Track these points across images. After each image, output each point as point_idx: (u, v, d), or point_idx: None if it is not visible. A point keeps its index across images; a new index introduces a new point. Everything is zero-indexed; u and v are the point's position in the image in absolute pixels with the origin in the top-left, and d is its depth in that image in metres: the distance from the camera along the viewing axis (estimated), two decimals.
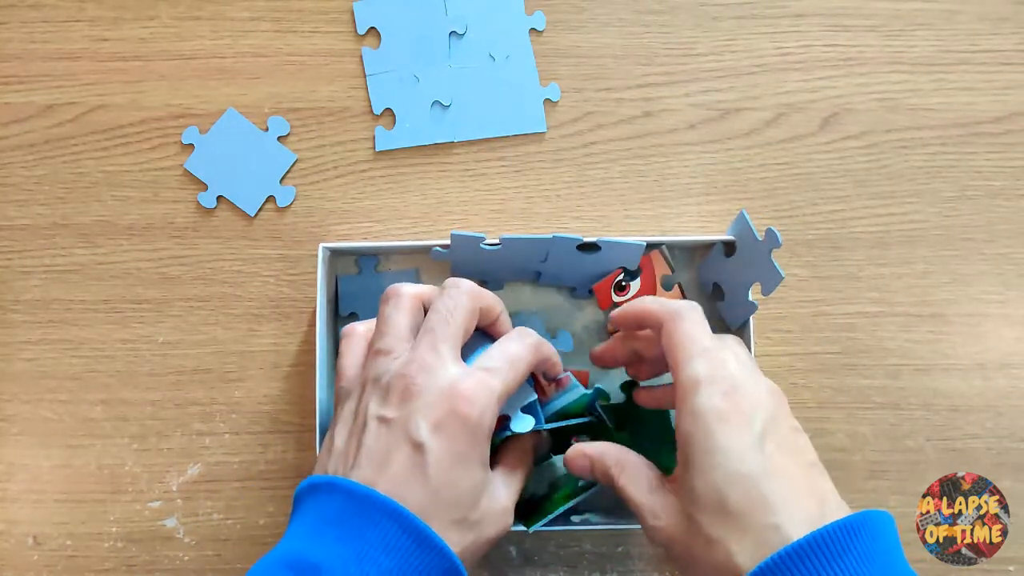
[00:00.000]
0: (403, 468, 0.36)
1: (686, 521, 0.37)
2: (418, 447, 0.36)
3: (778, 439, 0.36)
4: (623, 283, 0.52)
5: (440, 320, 0.39)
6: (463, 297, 0.40)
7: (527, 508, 0.49)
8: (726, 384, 0.37)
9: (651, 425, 0.52)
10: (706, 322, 0.40)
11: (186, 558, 0.52)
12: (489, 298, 0.42)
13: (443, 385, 0.37)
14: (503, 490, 0.39)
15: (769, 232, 0.45)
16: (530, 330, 0.42)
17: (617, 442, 0.51)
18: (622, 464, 0.41)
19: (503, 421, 0.42)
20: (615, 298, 0.52)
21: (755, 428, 0.36)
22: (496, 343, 0.41)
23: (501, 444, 0.42)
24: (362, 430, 0.37)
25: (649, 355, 0.45)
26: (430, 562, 0.34)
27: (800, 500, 0.34)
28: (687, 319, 0.40)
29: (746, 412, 0.36)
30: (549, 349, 0.43)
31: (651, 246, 0.51)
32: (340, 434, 0.39)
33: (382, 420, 0.37)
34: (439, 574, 0.34)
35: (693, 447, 0.37)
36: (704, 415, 0.36)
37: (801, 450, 0.37)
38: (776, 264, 0.45)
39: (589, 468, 0.42)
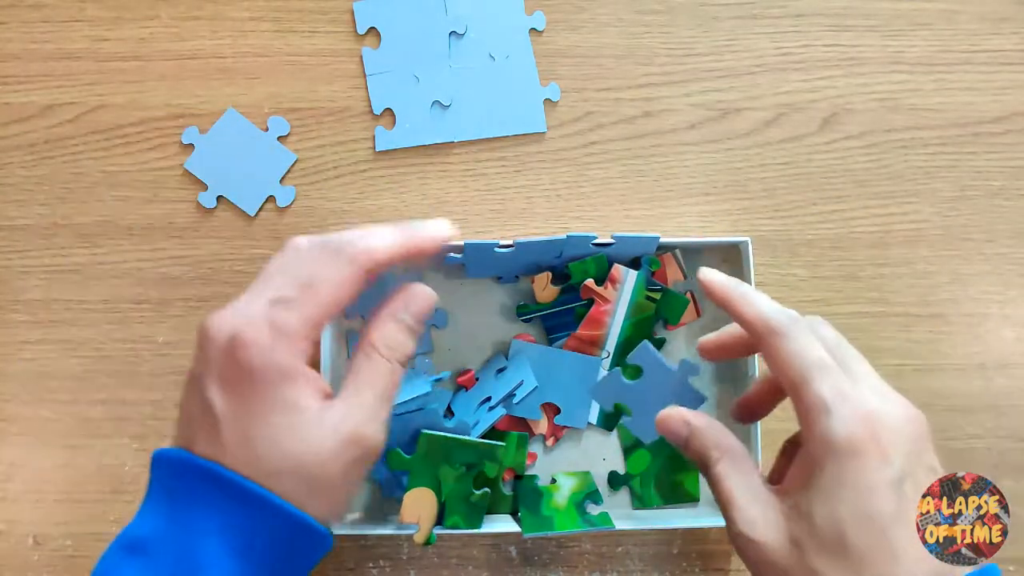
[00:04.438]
0: (204, 427, 0.34)
1: (788, 543, 0.33)
2: (207, 404, 0.34)
3: (916, 480, 0.33)
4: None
5: (282, 270, 0.36)
6: (327, 263, 0.35)
7: (525, 504, 0.50)
8: (862, 410, 0.33)
9: (676, 449, 0.52)
10: (811, 334, 0.36)
11: None
12: (381, 254, 0.36)
13: (229, 332, 0.34)
14: (345, 417, 0.34)
15: (683, 362, 0.43)
16: (350, 236, 0.36)
17: (638, 463, 0.52)
18: (724, 449, 0.36)
19: None
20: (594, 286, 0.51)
21: (895, 466, 0.32)
22: None
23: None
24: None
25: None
26: (258, 515, 0.32)
27: (923, 552, 0.32)
28: (789, 336, 0.35)
29: (885, 446, 0.32)
30: (390, 240, 0.36)
31: (665, 248, 0.51)
32: None
33: (190, 375, 0.36)
34: (277, 526, 0.32)
35: (821, 472, 0.33)
36: (837, 443, 0.32)
37: None
38: (695, 390, 0.42)
39: (684, 439, 0.38)
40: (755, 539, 0.34)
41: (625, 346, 0.50)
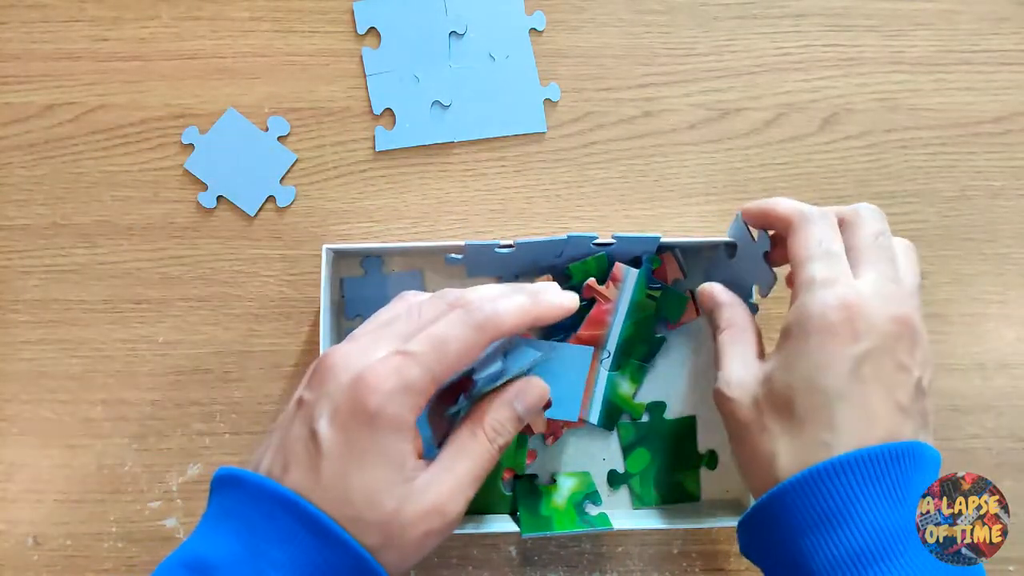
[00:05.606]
0: (302, 458, 0.34)
1: (752, 403, 0.38)
2: (314, 437, 0.34)
3: (879, 368, 0.35)
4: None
5: (406, 319, 0.37)
6: (458, 325, 0.35)
7: (524, 504, 0.50)
8: (848, 297, 0.36)
9: (676, 447, 0.52)
10: (836, 231, 0.39)
11: None
12: (507, 323, 0.36)
13: (354, 371, 0.34)
14: (435, 487, 0.35)
15: (761, 234, 0.45)
16: (480, 300, 0.36)
17: (637, 462, 0.52)
18: (732, 323, 0.43)
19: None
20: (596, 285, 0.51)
21: (858, 347, 0.35)
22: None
23: (453, 427, 0.39)
24: (285, 412, 0.37)
25: (779, 258, 0.44)
26: (332, 556, 0.32)
27: (865, 431, 0.34)
28: (815, 223, 0.39)
29: (857, 330, 0.35)
30: (530, 313, 0.37)
31: (664, 247, 0.51)
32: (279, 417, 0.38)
33: (299, 402, 0.36)
34: (347, 569, 0.33)
35: (789, 340, 0.37)
36: (809, 318, 0.36)
37: (896, 387, 0.35)
38: (769, 266, 0.45)
39: (709, 309, 0.45)
40: (728, 396, 0.39)
41: (626, 346, 0.50)
